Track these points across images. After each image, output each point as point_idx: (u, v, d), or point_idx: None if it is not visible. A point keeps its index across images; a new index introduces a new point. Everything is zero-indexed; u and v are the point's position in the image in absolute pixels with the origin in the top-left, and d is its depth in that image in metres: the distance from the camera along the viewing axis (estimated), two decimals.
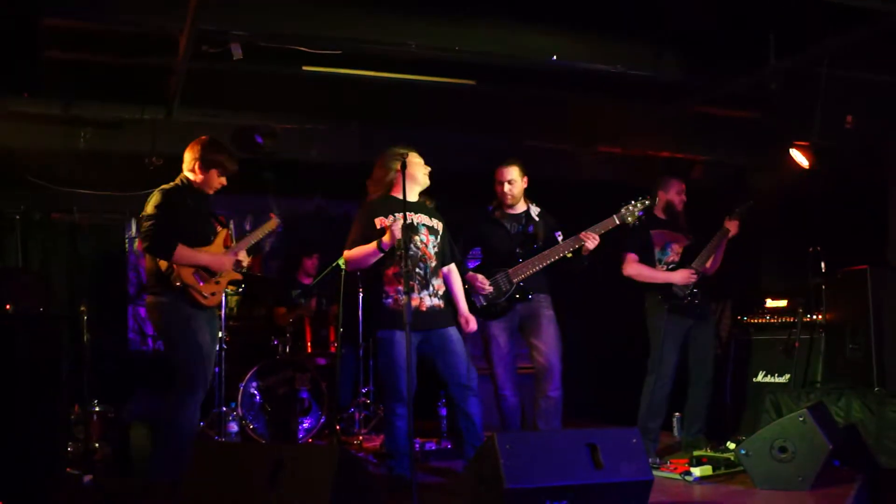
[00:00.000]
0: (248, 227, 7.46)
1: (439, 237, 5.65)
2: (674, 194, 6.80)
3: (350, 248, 5.53)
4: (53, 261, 8.37)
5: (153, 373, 8.02)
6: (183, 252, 5.20)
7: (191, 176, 5.46)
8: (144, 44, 6.07)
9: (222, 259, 5.40)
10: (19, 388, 5.13)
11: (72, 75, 6.43)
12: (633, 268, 6.69)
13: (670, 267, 6.73)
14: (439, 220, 5.69)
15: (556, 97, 7.47)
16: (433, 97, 7.31)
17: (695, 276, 6.57)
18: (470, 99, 7.46)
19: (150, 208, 5.24)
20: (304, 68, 6.46)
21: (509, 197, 6.27)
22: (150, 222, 5.19)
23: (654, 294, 6.74)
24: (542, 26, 6.23)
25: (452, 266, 5.82)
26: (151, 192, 5.31)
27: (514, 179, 6.24)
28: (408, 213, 5.39)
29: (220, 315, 6.17)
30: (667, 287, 6.65)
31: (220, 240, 5.56)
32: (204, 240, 5.44)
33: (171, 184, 5.43)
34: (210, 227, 5.55)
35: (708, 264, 6.70)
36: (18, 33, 4.14)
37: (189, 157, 5.46)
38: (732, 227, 6.73)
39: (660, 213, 6.80)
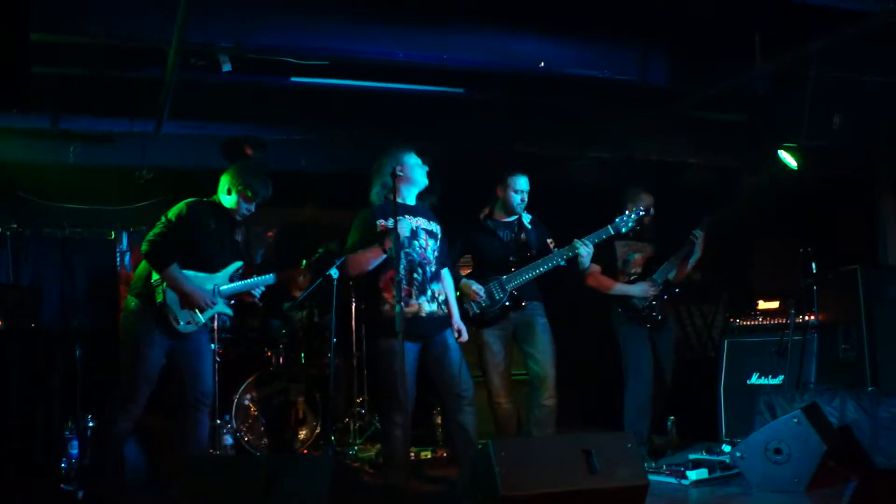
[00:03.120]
0: (238, 239, 7.44)
1: (438, 241, 5.59)
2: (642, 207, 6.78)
3: (352, 252, 5.48)
4: (45, 275, 8.34)
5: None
6: (173, 273, 5.20)
7: (223, 198, 5.52)
8: (133, 57, 6.06)
9: (199, 296, 5.33)
10: (12, 404, 5.12)
11: (61, 90, 6.42)
12: (596, 279, 6.80)
13: (632, 278, 6.86)
14: (437, 223, 5.64)
15: (545, 103, 7.47)
16: (421, 105, 7.31)
17: (654, 288, 6.68)
18: (458, 107, 7.47)
19: (169, 214, 5.30)
20: (292, 79, 6.46)
21: (523, 206, 6.29)
22: (160, 230, 5.24)
23: (615, 305, 6.91)
24: (528, 33, 6.25)
25: (445, 271, 5.77)
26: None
27: (528, 190, 6.27)
28: (408, 217, 5.41)
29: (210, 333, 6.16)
30: (626, 298, 6.77)
31: (229, 271, 5.57)
32: (209, 265, 5.45)
33: (203, 199, 5.48)
34: (225, 255, 5.57)
35: (671, 276, 6.78)
36: (7, 49, 4.13)
37: (224, 181, 5.53)
38: (697, 241, 6.79)
39: (629, 233, 6.75)
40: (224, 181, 5.53)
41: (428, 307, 5.41)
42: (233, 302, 7.96)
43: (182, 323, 5.31)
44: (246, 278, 8.18)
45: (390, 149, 5.53)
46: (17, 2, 4.12)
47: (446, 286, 5.74)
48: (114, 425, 5.24)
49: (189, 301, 5.28)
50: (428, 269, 5.46)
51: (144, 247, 5.21)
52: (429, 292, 5.43)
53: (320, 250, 5.90)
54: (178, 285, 5.23)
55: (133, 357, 5.22)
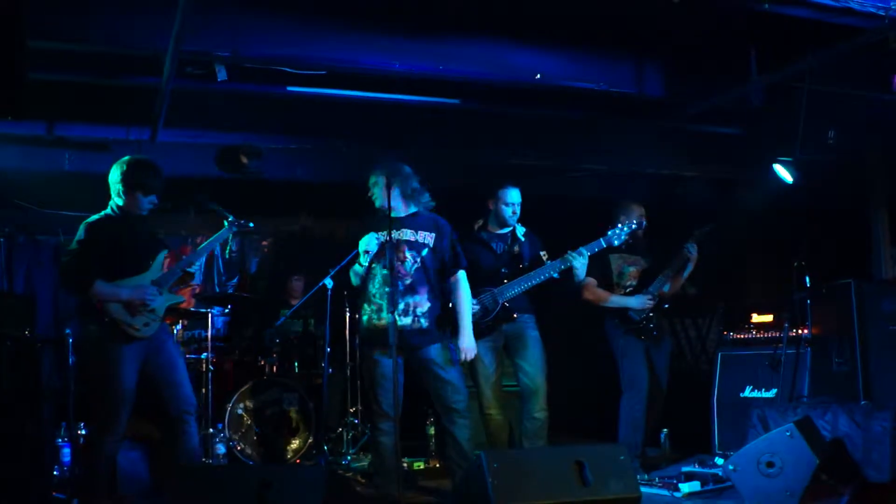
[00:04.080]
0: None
1: (425, 251, 5.53)
2: (635, 219, 6.80)
3: (351, 267, 5.60)
4: (38, 282, 8.33)
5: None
6: (100, 289, 5.11)
7: (118, 201, 5.35)
8: (129, 65, 6.07)
9: (138, 295, 5.20)
10: (4, 411, 5.10)
11: (56, 97, 6.42)
12: (592, 292, 6.80)
13: (628, 290, 6.87)
14: (430, 231, 5.58)
15: (541, 115, 7.49)
16: (417, 116, 7.33)
17: (651, 301, 6.70)
18: (454, 118, 7.48)
19: (73, 242, 5.19)
20: (289, 89, 6.46)
21: (514, 219, 6.30)
22: (67, 258, 5.16)
23: (611, 317, 6.90)
24: (525, 46, 6.27)
25: (459, 275, 5.62)
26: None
27: (519, 203, 6.28)
28: (396, 232, 5.45)
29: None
30: (623, 310, 6.78)
31: (159, 263, 5.45)
32: (137, 267, 5.34)
33: (99, 214, 5.35)
34: (146, 252, 5.44)
35: (666, 288, 6.80)
36: (2, 55, 4.13)
37: (112, 182, 5.35)
38: (691, 255, 6.81)
39: (621, 246, 6.77)
40: (113, 186, 5.35)
41: (401, 321, 5.34)
42: (229, 309, 8.00)
43: (140, 327, 5.21)
44: (243, 287, 8.19)
45: (375, 164, 5.59)
46: (14, 9, 4.11)
47: (457, 295, 5.62)
48: (100, 446, 5.20)
49: (132, 305, 5.19)
50: (400, 283, 5.41)
51: (60, 281, 5.16)
52: (400, 306, 5.37)
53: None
54: (112, 297, 5.14)
55: (105, 380, 5.13)
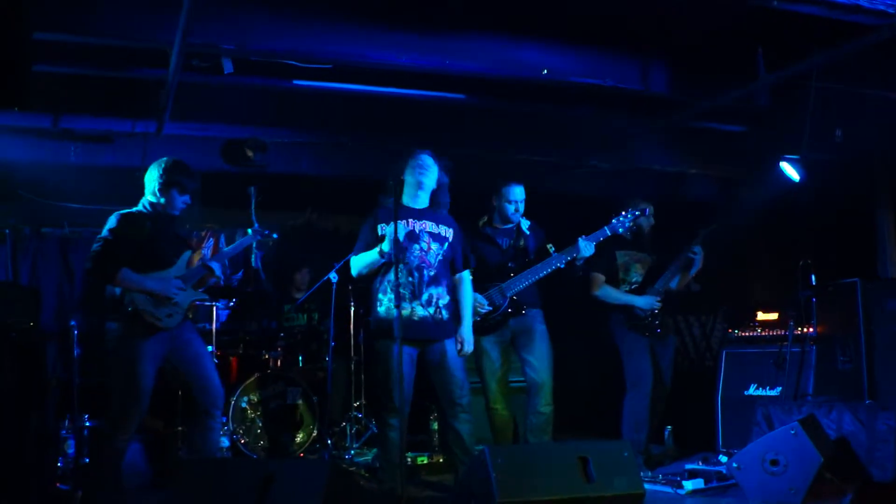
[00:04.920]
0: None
1: (446, 245, 5.55)
2: (642, 217, 6.82)
3: (356, 255, 5.52)
4: (43, 274, 8.33)
5: None
6: (127, 276, 5.15)
7: (152, 199, 5.42)
8: (135, 58, 6.07)
9: (163, 286, 5.27)
10: (8, 403, 5.11)
11: (62, 89, 6.42)
12: (601, 289, 6.79)
13: (634, 287, 6.90)
14: (449, 227, 5.61)
15: (546, 111, 7.47)
16: (423, 111, 7.32)
17: (659, 299, 6.72)
18: (459, 113, 7.47)
19: (102, 231, 5.24)
20: (295, 82, 6.46)
21: (518, 216, 6.29)
22: (97, 245, 5.19)
23: (617, 314, 6.92)
24: (531, 41, 6.26)
25: (464, 275, 5.69)
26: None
27: (522, 200, 6.27)
28: (410, 220, 5.43)
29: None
30: (629, 307, 6.79)
31: (183, 261, 5.51)
32: (163, 263, 5.39)
33: (132, 208, 5.41)
34: (173, 249, 5.50)
35: (673, 285, 6.87)
36: (8, 48, 4.13)
37: (149, 180, 5.42)
38: (697, 256, 6.81)
39: (626, 234, 6.81)
40: (150, 183, 5.41)
41: (421, 311, 5.36)
42: (232, 302, 8.00)
43: (164, 318, 5.25)
44: (248, 282, 8.16)
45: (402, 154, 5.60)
46: (19, 0, 4.11)
47: (463, 292, 5.66)
48: (112, 441, 5.22)
49: (157, 295, 5.24)
50: (426, 272, 5.42)
51: (87, 266, 5.18)
52: (424, 296, 5.38)
53: None
54: (137, 286, 5.18)
55: (126, 376, 5.15)
